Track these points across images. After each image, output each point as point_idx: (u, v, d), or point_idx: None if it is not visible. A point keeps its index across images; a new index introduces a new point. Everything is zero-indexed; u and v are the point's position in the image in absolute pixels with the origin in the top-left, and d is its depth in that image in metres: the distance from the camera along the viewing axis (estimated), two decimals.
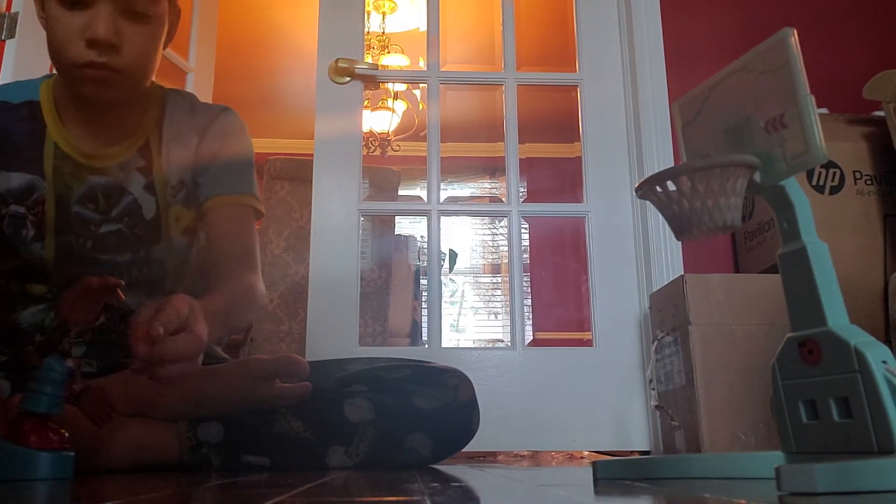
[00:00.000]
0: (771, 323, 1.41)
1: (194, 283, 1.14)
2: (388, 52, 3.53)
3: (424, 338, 2.60)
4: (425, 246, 1.87)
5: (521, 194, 2.12)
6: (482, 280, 5.07)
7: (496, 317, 4.96)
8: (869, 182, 1.57)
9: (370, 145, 3.78)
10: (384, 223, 2.57)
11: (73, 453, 0.75)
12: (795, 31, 0.58)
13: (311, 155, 1.84)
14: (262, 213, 1.15)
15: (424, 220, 1.88)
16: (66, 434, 0.76)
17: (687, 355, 1.42)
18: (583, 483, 0.60)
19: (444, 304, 2.71)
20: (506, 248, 4.78)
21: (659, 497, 0.47)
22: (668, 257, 1.75)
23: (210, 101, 1.34)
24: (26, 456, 0.71)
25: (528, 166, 4.61)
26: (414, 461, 1.03)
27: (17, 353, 1.04)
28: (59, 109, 1.06)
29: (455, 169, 4.97)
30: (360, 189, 1.83)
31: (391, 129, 3.83)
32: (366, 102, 3.02)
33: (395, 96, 3.82)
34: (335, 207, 1.81)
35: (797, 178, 0.58)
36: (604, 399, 1.72)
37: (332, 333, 1.72)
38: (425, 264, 1.92)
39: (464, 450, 1.11)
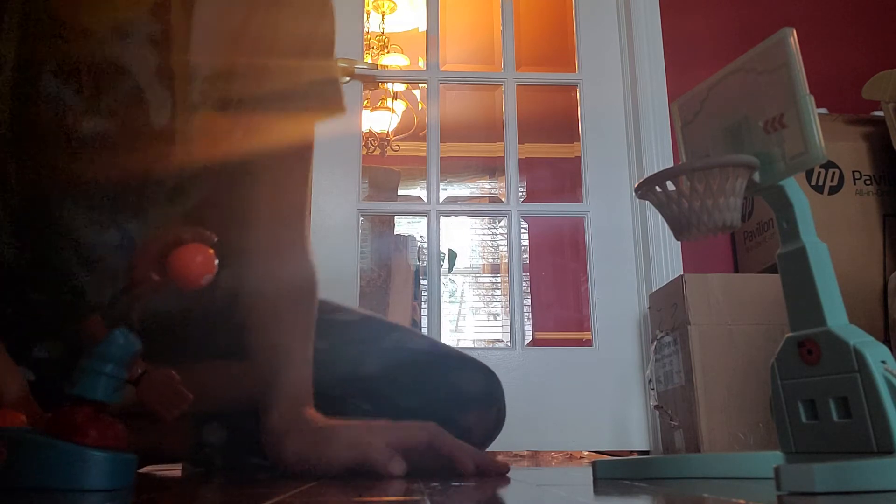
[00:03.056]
0: (770, 323, 1.41)
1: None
2: (388, 52, 3.53)
3: None
4: (425, 246, 1.87)
5: (520, 194, 2.13)
6: (482, 280, 5.07)
7: (496, 317, 4.96)
8: (868, 182, 1.57)
9: (370, 145, 3.78)
10: (383, 223, 2.57)
11: (135, 456, 0.56)
12: (795, 31, 0.58)
13: None
14: (341, 108, 0.84)
15: (424, 220, 1.88)
16: (124, 429, 0.56)
17: (686, 355, 1.42)
18: (582, 483, 0.60)
19: (443, 304, 2.71)
20: (505, 249, 4.78)
21: (658, 497, 0.47)
22: (668, 257, 1.75)
23: None
24: (85, 458, 0.51)
25: (528, 166, 4.61)
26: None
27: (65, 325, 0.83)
28: None
29: (455, 169, 4.97)
30: (359, 189, 1.83)
31: (391, 129, 3.82)
32: (365, 102, 3.03)
33: (395, 96, 3.82)
34: (334, 207, 1.81)
35: (796, 178, 0.58)
36: (603, 399, 1.72)
37: None
38: (425, 264, 1.92)
39: None
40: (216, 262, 0.56)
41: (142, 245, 0.58)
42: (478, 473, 0.67)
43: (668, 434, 1.54)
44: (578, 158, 1.92)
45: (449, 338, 4.79)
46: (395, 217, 2.73)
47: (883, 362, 0.52)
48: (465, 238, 5.11)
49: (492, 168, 5.06)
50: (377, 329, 0.96)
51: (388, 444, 0.65)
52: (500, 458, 1.20)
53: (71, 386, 0.53)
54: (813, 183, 1.57)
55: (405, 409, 0.82)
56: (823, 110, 1.68)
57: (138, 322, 0.57)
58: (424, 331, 2.55)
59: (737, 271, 1.79)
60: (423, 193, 3.84)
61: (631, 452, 1.70)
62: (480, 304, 5.01)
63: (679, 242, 1.78)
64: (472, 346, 4.64)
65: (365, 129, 3.57)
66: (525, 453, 1.91)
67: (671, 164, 1.80)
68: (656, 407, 1.58)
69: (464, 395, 0.88)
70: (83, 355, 0.54)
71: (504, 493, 0.54)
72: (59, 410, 0.53)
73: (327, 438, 0.67)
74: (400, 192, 2.79)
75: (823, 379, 0.55)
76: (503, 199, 3.92)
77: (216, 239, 0.57)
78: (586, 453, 1.81)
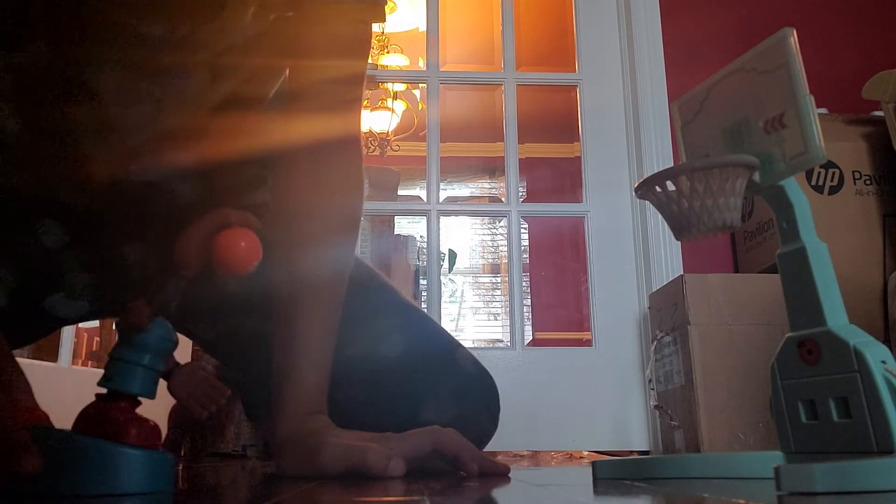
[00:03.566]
0: (770, 323, 1.41)
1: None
2: (388, 52, 3.53)
3: None
4: (425, 246, 1.87)
5: (520, 194, 2.13)
6: (482, 280, 5.07)
7: (496, 317, 4.96)
8: (868, 182, 1.57)
9: (369, 145, 3.78)
10: (383, 223, 2.57)
11: (173, 456, 0.51)
12: (795, 31, 0.58)
13: None
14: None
15: (424, 220, 1.88)
16: (158, 426, 0.51)
17: (686, 355, 1.42)
18: (582, 483, 0.60)
19: (443, 304, 2.71)
20: (505, 248, 4.78)
21: (658, 497, 0.47)
22: (668, 257, 1.75)
23: None
24: (131, 459, 0.45)
25: (528, 166, 4.61)
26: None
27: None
28: None
29: (455, 169, 4.97)
30: None
31: (391, 129, 3.83)
32: (365, 102, 3.02)
33: (395, 96, 3.82)
34: None
35: (796, 177, 0.58)
36: (603, 399, 1.72)
37: None
38: (425, 264, 1.92)
39: None
40: (261, 248, 0.52)
41: (192, 227, 0.54)
42: (479, 474, 0.67)
43: (668, 434, 1.54)
44: (578, 158, 1.92)
45: None
46: (395, 217, 2.73)
47: (883, 362, 0.52)
48: (465, 238, 5.11)
49: (492, 168, 5.06)
50: (352, 318, 0.81)
51: (393, 451, 0.63)
52: (499, 457, 1.17)
53: (105, 378, 0.48)
54: (813, 183, 1.57)
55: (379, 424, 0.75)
56: (823, 110, 1.68)
57: (176, 312, 0.51)
58: None
59: (737, 271, 1.79)
60: (423, 193, 3.84)
61: (631, 452, 1.70)
62: (480, 304, 5.01)
63: (679, 242, 1.78)
64: (472, 346, 4.64)
65: (365, 129, 3.57)
66: (525, 453, 1.91)
67: (671, 164, 1.80)
68: (656, 407, 1.58)
69: (441, 421, 0.79)
70: (116, 345, 0.49)
71: (504, 492, 0.54)
72: (90, 406, 0.48)
73: (324, 448, 0.65)
74: (400, 192, 2.79)
75: (823, 379, 0.55)
76: (503, 199, 3.92)
77: (261, 225, 0.53)
78: (586, 453, 1.81)
